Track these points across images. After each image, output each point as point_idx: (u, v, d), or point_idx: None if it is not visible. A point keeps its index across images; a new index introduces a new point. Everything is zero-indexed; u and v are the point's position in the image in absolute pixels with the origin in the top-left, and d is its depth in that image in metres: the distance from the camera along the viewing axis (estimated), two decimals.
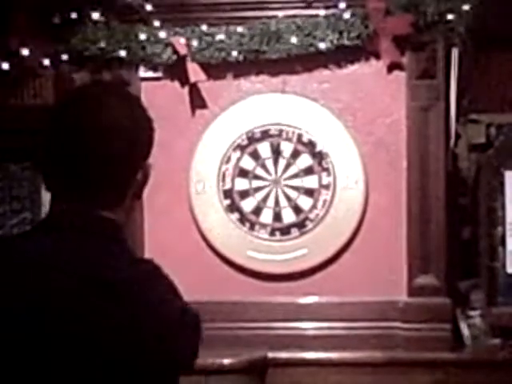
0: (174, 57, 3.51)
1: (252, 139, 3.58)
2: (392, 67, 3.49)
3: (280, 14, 3.49)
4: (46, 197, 3.70)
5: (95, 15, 3.47)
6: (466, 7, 3.39)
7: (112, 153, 1.55)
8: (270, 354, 3.46)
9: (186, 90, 3.57)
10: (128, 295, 1.49)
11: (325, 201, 3.55)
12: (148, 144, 1.63)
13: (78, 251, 1.53)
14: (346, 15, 3.42)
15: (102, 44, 3.48)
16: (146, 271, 1.56)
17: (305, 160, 3.56)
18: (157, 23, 3.49)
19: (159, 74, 3.56)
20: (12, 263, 1.52)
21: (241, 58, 3.49)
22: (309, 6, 3.48)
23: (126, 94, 1.67)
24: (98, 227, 1.56)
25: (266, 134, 3.58)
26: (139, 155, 1.61)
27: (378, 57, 3.48)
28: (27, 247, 1.55)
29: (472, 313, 3.60)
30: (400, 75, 3.50)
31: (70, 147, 1.55)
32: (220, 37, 3.47)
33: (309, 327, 3.56)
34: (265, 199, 3.58)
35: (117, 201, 1.59)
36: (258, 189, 3.59)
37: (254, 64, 3.52)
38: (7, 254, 1.55)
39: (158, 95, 3.56)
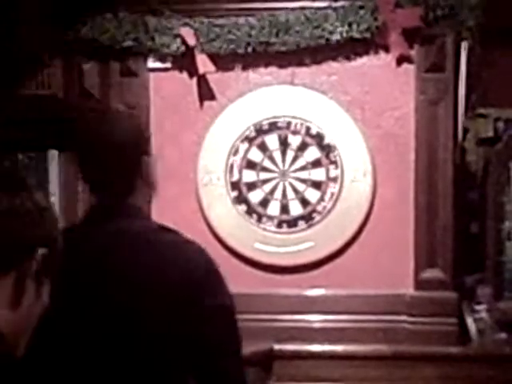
0: (183, 48, 3.49)
1: (260, 131, 3.58)
2: (401, 60, 3.47)
3: (289, 5, 3.48)
4: (53, 186, 3.70)
5: (104, 5, 3.47)
6: (476, 0, 3.38)
7: (120, 161, 2.14)
8: (276, 346, 3.46)
9: (195, 81, 3.56)
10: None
11: (332, 193, 3.54)
12: (144, 146, 2.21)
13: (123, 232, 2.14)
14: (356, 7, 3.41)
15: (111, 34, 3.48)
16: (180, 238, 2.25)
17: (313, 152, 3.56)
18: (166, 14, 3.49)
19: (167, 65, 3.55)
20: (85, 249, 2.10)
21: (250, 49, 3.47)
22: None
23: (129, 119, 2.35)
24: (129, 211, 2.17)
25: (274, 126, 3.57)
26: (138, 156, 2.17)
27: (387, 50, 3.47)
28: (90, 235, 2.13)
29: (478, 307, 3.60)
30: (409, 68, 3.49)
31: (92, 159, 2.15)
32: (229, 28, 3.46)
33: (315, 320, 3.56)
34: (272, 191, 3.58)
35: (128, 190, 2.17)
36: (265, 181, 3.58)
37: (262, 56, 3.50)
38: (79, 242, 2.08)
39: (166, 86, 3.56)
